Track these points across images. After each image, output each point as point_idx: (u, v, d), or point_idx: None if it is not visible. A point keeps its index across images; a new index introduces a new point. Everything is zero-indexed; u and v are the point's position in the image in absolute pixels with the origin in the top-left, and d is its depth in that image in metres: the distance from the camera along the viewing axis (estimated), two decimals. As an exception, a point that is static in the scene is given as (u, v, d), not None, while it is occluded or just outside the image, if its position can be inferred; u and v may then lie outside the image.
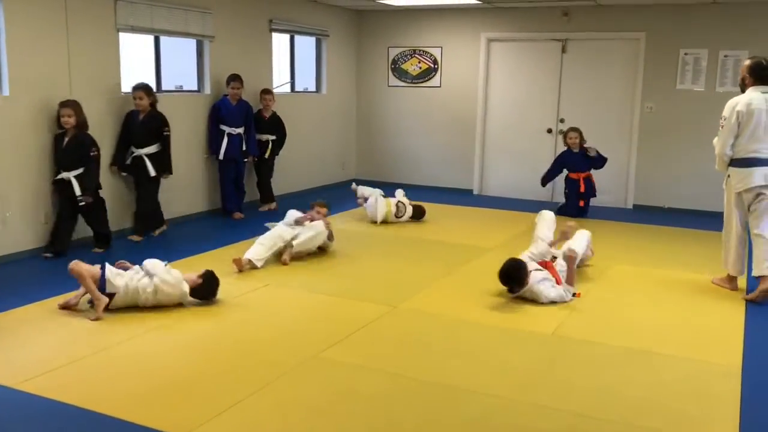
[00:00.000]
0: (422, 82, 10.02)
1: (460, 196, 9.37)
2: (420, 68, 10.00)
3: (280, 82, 9.03)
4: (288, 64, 9.31)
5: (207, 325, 4.44)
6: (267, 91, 8.23)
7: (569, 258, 5.26)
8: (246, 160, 7.93)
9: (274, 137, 8.22)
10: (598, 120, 9.04)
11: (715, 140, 5.27)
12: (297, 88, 9.49)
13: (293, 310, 4.81)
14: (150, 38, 7.18)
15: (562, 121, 9.26)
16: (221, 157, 7.62)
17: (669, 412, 3.36)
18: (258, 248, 5.76)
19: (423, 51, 9.94)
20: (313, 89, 9.86)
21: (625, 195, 8.99)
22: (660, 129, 8.64)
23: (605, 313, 4.83)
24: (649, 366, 3.93)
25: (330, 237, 6.29)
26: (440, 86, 9.90)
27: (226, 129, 7.62)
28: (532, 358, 4.01)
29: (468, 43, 9.62)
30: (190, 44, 7.67)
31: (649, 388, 3.62)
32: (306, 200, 8.89)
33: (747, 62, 5.25)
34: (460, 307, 4.91)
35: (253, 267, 5.66)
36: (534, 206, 8.80)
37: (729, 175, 5.23)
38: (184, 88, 7.74)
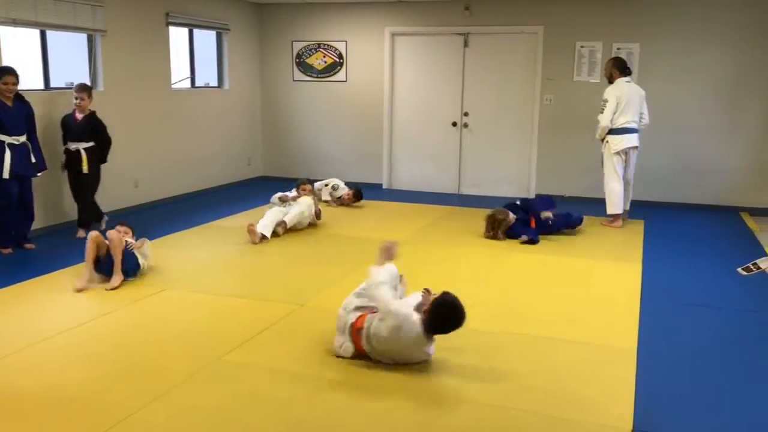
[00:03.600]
0: (328, 77, 9.94)
1: (370, 191, 9.35)
2: (325, 62, 9.91)
3: (179, 77, 8.75)
4: (188, 59, 9.02)
5: (99, 333, 4.22)
6: (81, 87, 6.59)
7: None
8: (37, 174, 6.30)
9: (89, 144, 6.60)
10: (500, 112, 9.22)
11: (600, 116, 7.18)
12: (198, 84, 9.22)
13: (193, 313, 4.64)
14: (36, 33, 6.78)
15: (466, 114, 9.39)
16: (5, 175, 5.85)
17: (568, 398, 3.43)
18: (265, 223, 6.54)
19: (328, 45, 9.86)
20: (215, 84, 9.60)
21: (527, 185, 9.21)
22: (559, 120, 8.89)
23: (507, 302, 4.90)
24: (549, 352, 4.01)
25: (318, 214, 7.10)
26: (346, 80, 9.85)
27: (6, 138, 5.89)
28: (437, 350, 4.01)
29: (372, 37, 9.60)
30: (81, 39, 7.30)
31: (549, 375, 3.70)
32: (210, 199, 8.71)
33: (611, 60, 7.41)
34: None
35: (264, 238, 6.43)
36: (443, 198, 8.92)
37: (608, 141, 7.23)
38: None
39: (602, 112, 7.16)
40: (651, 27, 8.39)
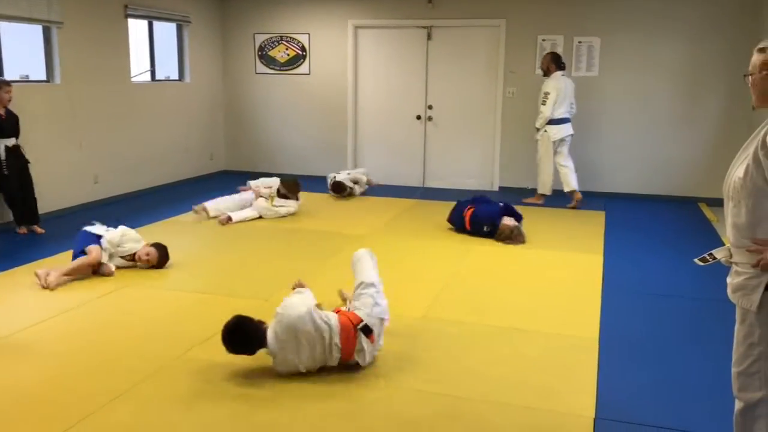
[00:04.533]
0: (291, 70, 9.87)
1: (334, 184, 9.32)
2: (288, 55, 9.84)
3: (139, 70, 8.60)
4: (147, 52, 8.88)
5: (58, 332, 4.15)
6: (1, 83, 6.27)
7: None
8: None
9: (15, 140, 6.37)
10: (464, 105, 9.27)
11: (543, 108, 7.88)
12: (158, 77, 9.07)
13: (156, 310, 4.58)
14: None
15: (430, 107, 9.41)
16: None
17: (531, 387, 3.47)
18: (216, 202, 7.26)
19: (290, 38, 9.78)
20: (176, 78, 9.46)
21: (491, 178, 9.28)
22: (521, 113, 8.95)
23: (474, 294, 4.94)
24: (512, 343, 4.06)
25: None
26: (309, 73, 9.79)
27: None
28: (403, 343, 4.03)
29: (335, 30, 9.56)
30: (36, 31, 7.12)
31: (513, 365, 3.74)
32: (172, 194, 8.59)
33: (549, 55, 7.94)
34: (332, 295, 4.86)
35: (205, 211, 7.16)
36: (407, 192, 8.93)
37: (545, 130, 7.96)
38: (31, 78, 7.19)
39: (544, 104, 7.87)
40: (611, 21, 8.51)
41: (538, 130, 8.08)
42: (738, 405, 2.56)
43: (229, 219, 6.99)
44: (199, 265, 5.67)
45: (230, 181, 9.66)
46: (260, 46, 9.93)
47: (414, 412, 3.23)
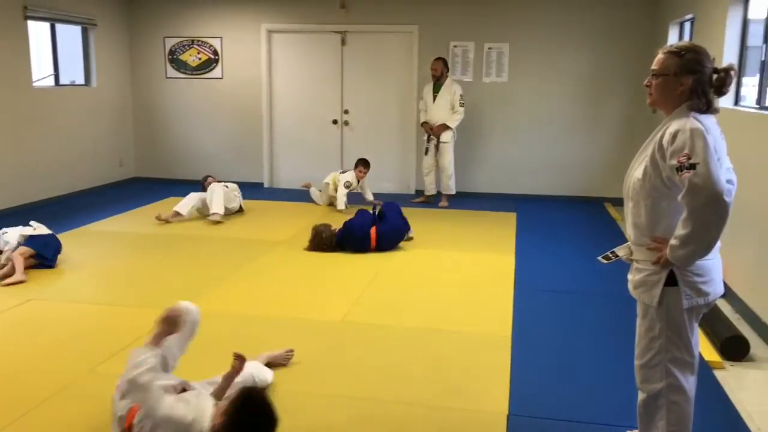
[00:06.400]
0: (203, 74, 9.68)
1: (251, 190, 9.17)
2: (200, 59, 9.65)
3: (41, 74, 8.24)
4: (50, 56, 8.51)
5: (-43, 352, 3.92)
6: None
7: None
8: None
9: None
10: (380, 110, 9.34)
11: (462, 110, 8.23)
12: (62, 81, 8.72)
13: (62, 324, 4.39)
14: None
15: (346, 112, 9.43)
16: None
17: (446, 387, 3.54)
18: (185, 202, 7.26)
19: (202, 41, 9.60)
20: (82, 82, 9.11)
21: (407, 182, 9.38)
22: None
23: (391, 297, 4.98)
24: (428, 343, 4.12)
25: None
26: (222, 78, 9.63)
27: None
28: (322, 347, 4.03)
29: (248, 34, 9.44)
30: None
31: (428, 365, 3.79)
32: (79, 203, 8.26)
33: (442, 60, 8.26)
34: (248, 303, 4.81)
35: (178, 215, 7.17)
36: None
37: (454, 132, 8.33)
38: None
39: (462, 106, 8.23)
40: (519, 27, 8.77)
41: (449, 128, 8.28)
42: (641, 396, 2.69)
43: (178, 214, 7.18)
44: (107, 275, 5.48)
45: (141, 188, 9.40)
46: (171, 49, 9.69)
47: (328, 418, 3.22)
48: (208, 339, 4.15)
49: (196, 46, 9.62)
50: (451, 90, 8.23)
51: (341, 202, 7.86)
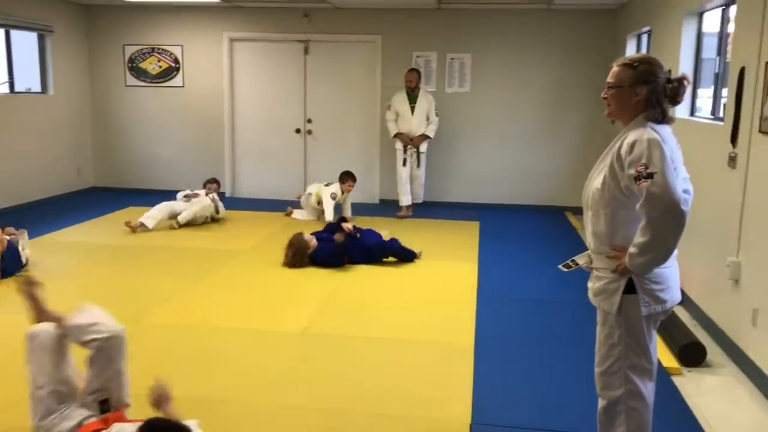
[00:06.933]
0: (164, 82, 9.56)
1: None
2: (160, 67, 9.52)
3: (-5, 82, 8.06)
4: (5, 63, 8.32)
5: None
6: None
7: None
8: None
9: None
10: (343, 119, 9.33)
11: (436, 123, 8.28)
12: (18, 89, 8.52)
13: (11, 339, 4.26)
14: None
15: (309, 121, 9.40)
16: None
17: (409, 397, 3.52)
18: (153, 212, 7.18)
19: (162, 49, 9.48)
20: (38, 90, 8.92)
21: (371, 191, 9.37)
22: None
23: (353, 308, 4.96)
24: (392, 354, 4.10)
25: (217, 210, 7.78)
26: (183, 86, 9.52)
27: None
28: (283, 359, 3.99)
29: (210, 42, 9.36)
30: None
31: (391, 376, 3.78)
32: (34, 214, 8.06)
33: (415, 72, 8.23)
34: (208, 314, 4.74)
35: (145, 228, 7.04)
36: (287, 206, 8.83)
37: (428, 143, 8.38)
38: None
39: (437, 116, 8.29)
40: (481, 39, 8.85)
41: (428, 138, 8.31)
42: (601, 403, 2.71)
43: (143, 225, 7.11)
44: (60, 287, 5.34)
45: (100, 197, 9.23)
46: (130, 57, 9.56)
47: (289, 430, 3.18)
48: (165, 353, 4.09)
49: (157, 54, 9.50)
50: (427, 100, 8.27)
51: (330, 213, 7.63)
